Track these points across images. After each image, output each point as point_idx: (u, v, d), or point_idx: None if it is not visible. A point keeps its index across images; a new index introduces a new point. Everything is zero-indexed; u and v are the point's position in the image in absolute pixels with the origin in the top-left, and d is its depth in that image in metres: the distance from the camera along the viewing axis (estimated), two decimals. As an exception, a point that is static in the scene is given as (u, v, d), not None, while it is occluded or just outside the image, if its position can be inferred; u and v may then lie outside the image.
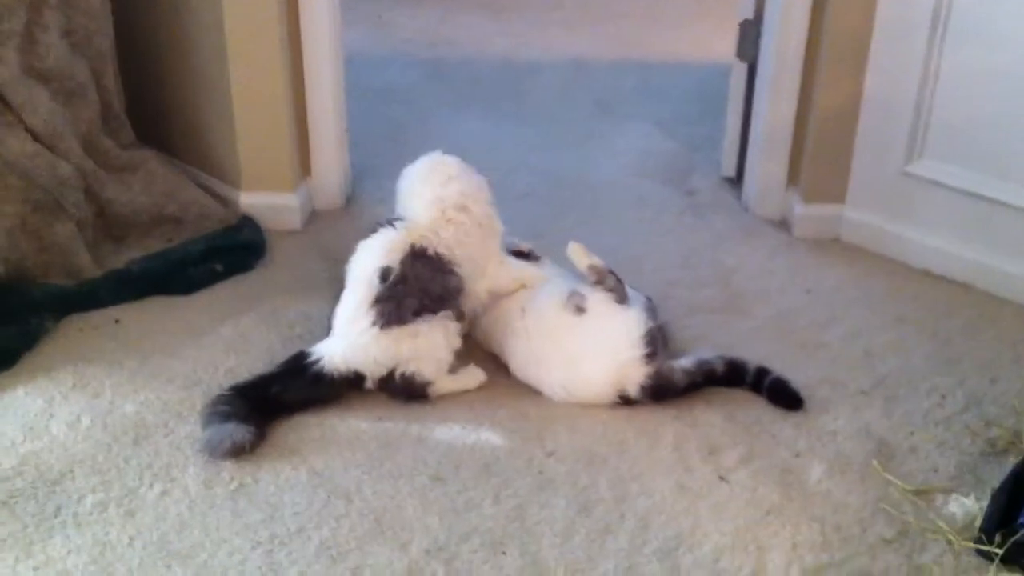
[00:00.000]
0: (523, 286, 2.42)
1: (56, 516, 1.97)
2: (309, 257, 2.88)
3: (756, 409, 2.30)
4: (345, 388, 2.28)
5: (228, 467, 2.09)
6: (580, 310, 2.29)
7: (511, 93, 4.13)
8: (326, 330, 2.35)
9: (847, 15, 2.76)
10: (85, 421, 2.21)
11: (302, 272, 2.81)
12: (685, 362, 2.32)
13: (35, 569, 1.86)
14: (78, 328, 2.53)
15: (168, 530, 1.95)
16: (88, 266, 2.65)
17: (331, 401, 2.28)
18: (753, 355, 2.46)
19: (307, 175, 3.09)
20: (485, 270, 2.38)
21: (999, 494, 1.97)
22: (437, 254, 2.28)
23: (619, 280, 2.33)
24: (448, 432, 2.22)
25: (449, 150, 2.88)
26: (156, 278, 2.69)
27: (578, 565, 1.90)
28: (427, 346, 2.26)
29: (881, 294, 2.76)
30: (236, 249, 2.82)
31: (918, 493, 2.08)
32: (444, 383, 2.31)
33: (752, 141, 3.14)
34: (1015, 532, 1.89)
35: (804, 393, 2.34)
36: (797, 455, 2.18)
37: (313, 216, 3.09)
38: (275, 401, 2.24)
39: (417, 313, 2.25)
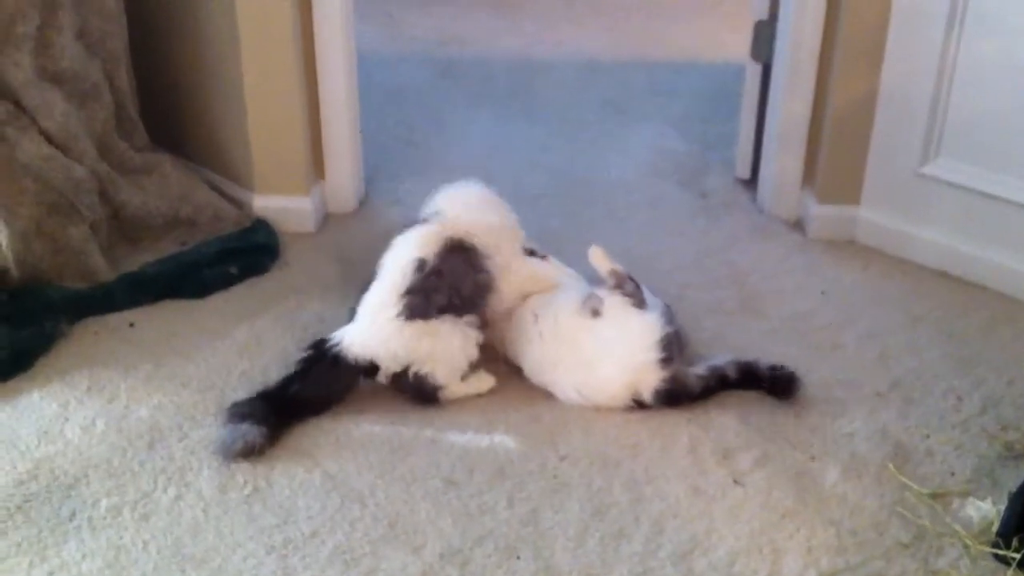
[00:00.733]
0: (548, 285, 2.42)
1: (71, 520, 1.98)
2: (323, 259, 2.88)
3: (771, 412, 2.29)
4: (357, 377, 2.27)
5: (242, 471, 2.10)
6: (596, 313, 2.28)
7: (523, 92, 4.12)
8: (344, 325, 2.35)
9: (863, 13, 2.74)
10: (100, 425, 2.22)
11: (316, 274, 2.81)
12: (698, 369, 2.31)
13: (50, 574, 1.87)
14: (93, 331, 2.54)
15: (182, 534, 1.96)
16: (103, 269, 2.66)
17: (346, 392, 2.27)
18: (768, 356, 2.45)
19: (320, 178, 3.09)
20: (509, 266, 2.38)
21: (1016, 498, 1.95)
22: (473, 246, 2.30)
23: (638, 285, 2.32)
24: (461, 436, 2.22)
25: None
26: (170, 281, 2.69)
27: (592, 569, 1.90)
28: (444, 349, 2.26)
29: (897, 295, 2.75)
30: (250, 252, 2.82)
31: (934, 496, 2.06)
32: (455, 388, 2.31)
33: (766, 142, 3.13)
34: (1032, 536, 1.88)
35: (819, 395, 2.34)
36: (812, 458, 2.17)
37: (327, 218, 3.09)
38: (294, 401, 2.24)
39: (442, 311, 2.26)
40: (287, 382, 2.27)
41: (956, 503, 2.05)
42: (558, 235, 2.74)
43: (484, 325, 2.35)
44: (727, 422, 2.26)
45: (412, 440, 2.19)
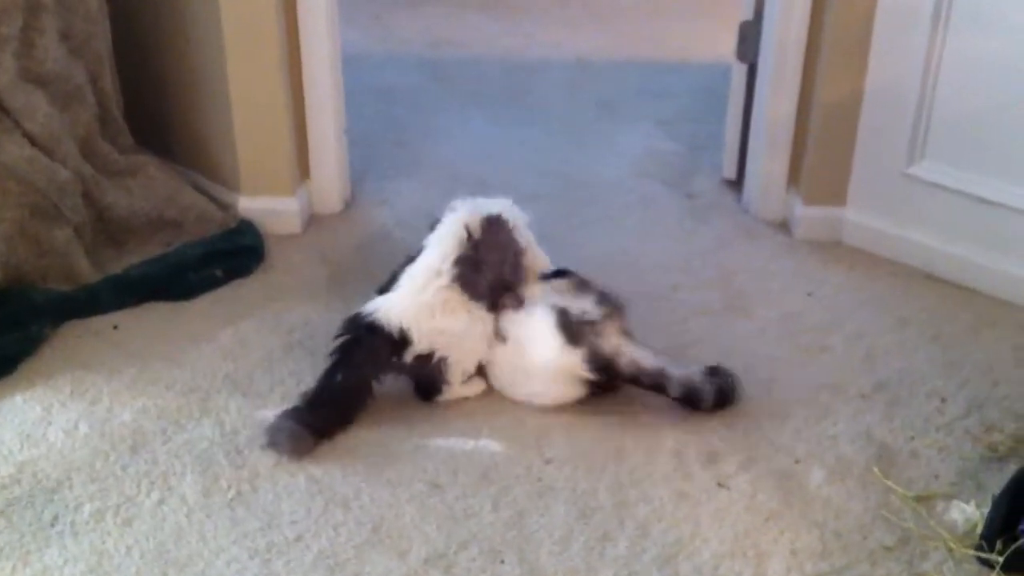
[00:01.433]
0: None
1: (53, 525, 1.97)
2: (309, 261, 2.88)
3: (756, 415, 2.29)
4: (391, 352, 2.24)
5: (226, 475, 2.09)
6: (504, 339, 2.32)
7: (513, 94, 4.12)
8: (326, 335, 2.33)
9: (847, 13, 2.74)
10: (83, 428, 2.21)
11: (302, 276, 2.80)
12: (646, 361, 2.28)
13: (32, 579, 1.86)
14: (77, 334, 2.53)
15: (165, 539, 1.95)
16: (87, 271, 2.65)
17: (384, 370, 2.26)
18: (754, 358, 2.47)
19: (306, 178, 3.08)
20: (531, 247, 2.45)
21: (1000, 500, 1.96)
22: (514, 223, 2.37)
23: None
24: (446, 440, 2.21)
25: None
26: (155, 283, 2.68)
27: (577, 573, 1.90)
28: (472, 338, 2.28)
29: (883, 297, 2.75)
30: (236, 253, 2.81)
31: (919, 499, 2.07)
32: (456, 388, 2.31)
33: (752, 143, 3.13)
34: (1016, 539, 1.87)
35: (805, 397, 2.34)
36: (797, 461, 2.17)
37: (313, 219, 3.08)
38: (341, 394, 2.22)
39: (492, 288, 2.29)
40: (329, 375, 2.23)
41: (940, 506, 2.05)
42: (548, 236, 2.73)
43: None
44: (712, 425, 2.26)
45: (397, 444, 2.18)
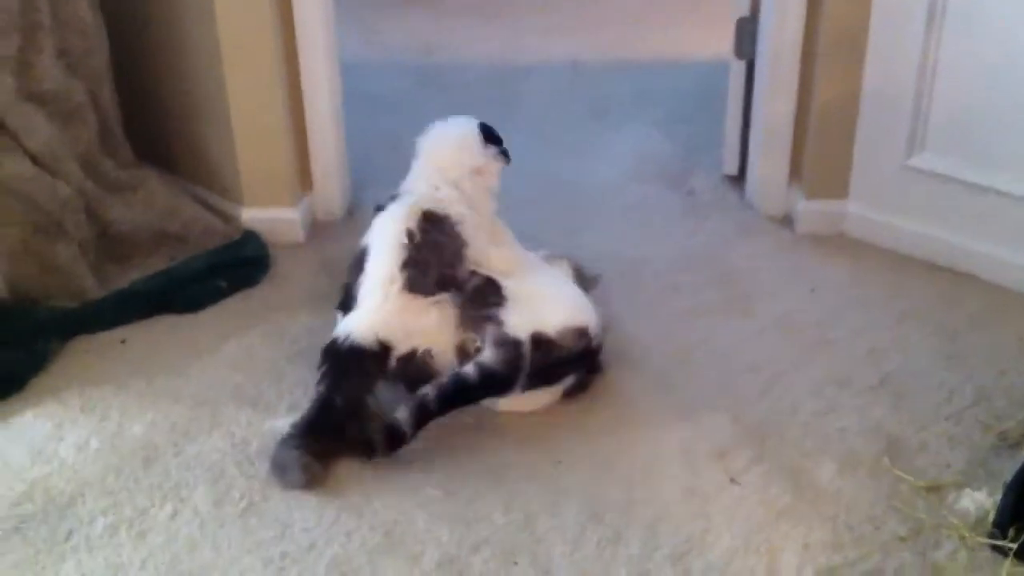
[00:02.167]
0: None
1: (67, 540, 1.98)
2: (312, 270, 2.88)
3: (764, 410, 2.30)
4: (376, 367, 2.24)
5: (238, 486, 2.10)
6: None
7: (506, 99, 4.11)
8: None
9: (843, 7, 2.75)
10: (94, 444, 2.22)
11: (306, 285, 2.81)
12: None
13: (48, 595, 1.87)
14: (84, 350, 2.53)
15: (179, 550, 1.95)
16: (92, 287, 2.66)
17: (376, 384, 2.23)
18: (758, 355, 2.48)
19: (308, 188, 3.08)
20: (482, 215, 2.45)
21: (1011, 488, 1.96)
22: (446, 215, 2.35)
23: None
24: (456, 443, 2.22)
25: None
26: (160, 297, 2.69)
27: (590, 573, 1.90)
28: (445, 326, 2.28)
29: (886, 289, 2.75)
30: (240, 265, 2.82)
31: (930, 489, 2.07)
32: None
33: (752, 139, 3.13)
34: (1028, 526, 1.88)
35: (811, 392, 2.35)
36: (806, 455, 2.17)
37: (315, 228, 3.09)
38: (344, 417, 2.19)
39: (438, 283, 2.30)
40: (326, 401, 2.20)
41: (952, 495, 2.06)
42: (547, 240, 2.74)
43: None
44: (720, 422, 2.26)
45: (406, 449, 2.18)
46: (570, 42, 4.71)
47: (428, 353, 2.26)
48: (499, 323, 2.25)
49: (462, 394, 2.22)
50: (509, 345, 2.22)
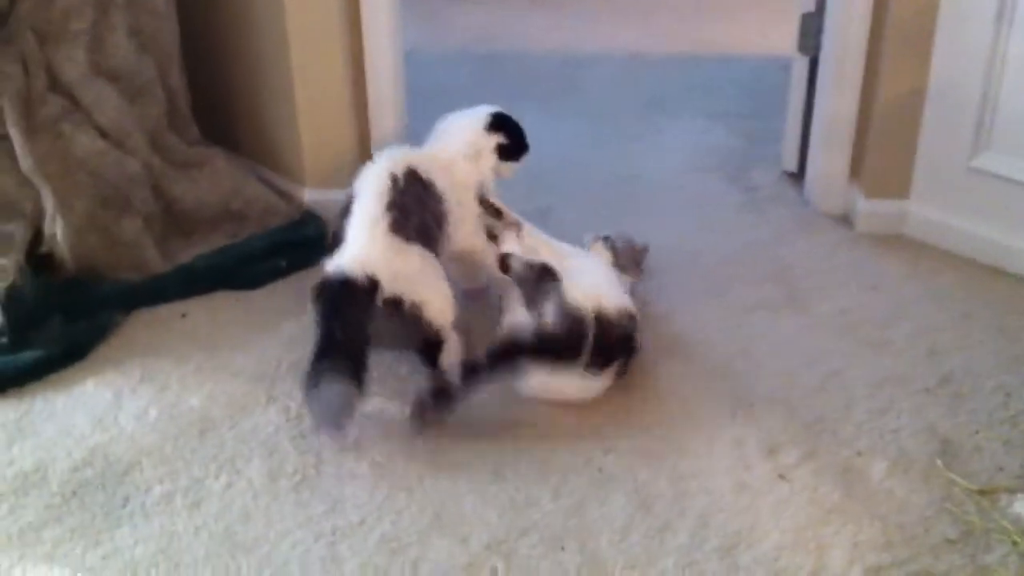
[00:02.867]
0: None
1: (124, 507, 2.02)
2: (370, 252, 2.91)
3: (818, 407, 2.29)
4: (364, 298, 2.22)
5: (292, 460, 2.13)
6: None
7: (565, 88, 4.12)
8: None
9: (910, 3, 2.72)
10: (152, 413, 2.26)
11: (363, 267, 2.83)
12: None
13: (103, 558, 1.91)
14: (146, 322, 2.59)
15: (233, 521, 1.99)
16: (155, 261, 2.71)
17: (373, 318, 2.22)
18: (814, 352, 2.46)
19: (368, 171, 3.11)
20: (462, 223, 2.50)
21: (1066, 495, 1.94)
22: (429, 179, 2.41)
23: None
24: (506, 428, 2.23)
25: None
26: (221, 273, 2.73)
27: (637, 561, 1.90)
28: (428, 275, 2.30)
29: (946, 290, 2.72)
30: (299, 245, 2.85)
31: (983, 493, 2.05)
32: (455, 344, 2.33)
33: (814, 135, 3.11)
34: (1083, 534, 1.86)
35: (867, 391, 2.33)
36: (859, 453, 2.16)
37: (374, 212, 3.11)
38: (350, 344, 2.18)
39: (418, 232, 2.32)
40: (328, 334, 2.19)
41: (1004, 499, 2.03)
42: (602, 229, 2.74)
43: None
44: (773, 417, 2.25)
45: (458, 432, 2.20)
46: (628, 33, 4.71)
47: (416, 306, 2.26)
48: (562, 296, 2.27)
49: (515, 352, 2.24)
50: (575, 316, 2.23)
